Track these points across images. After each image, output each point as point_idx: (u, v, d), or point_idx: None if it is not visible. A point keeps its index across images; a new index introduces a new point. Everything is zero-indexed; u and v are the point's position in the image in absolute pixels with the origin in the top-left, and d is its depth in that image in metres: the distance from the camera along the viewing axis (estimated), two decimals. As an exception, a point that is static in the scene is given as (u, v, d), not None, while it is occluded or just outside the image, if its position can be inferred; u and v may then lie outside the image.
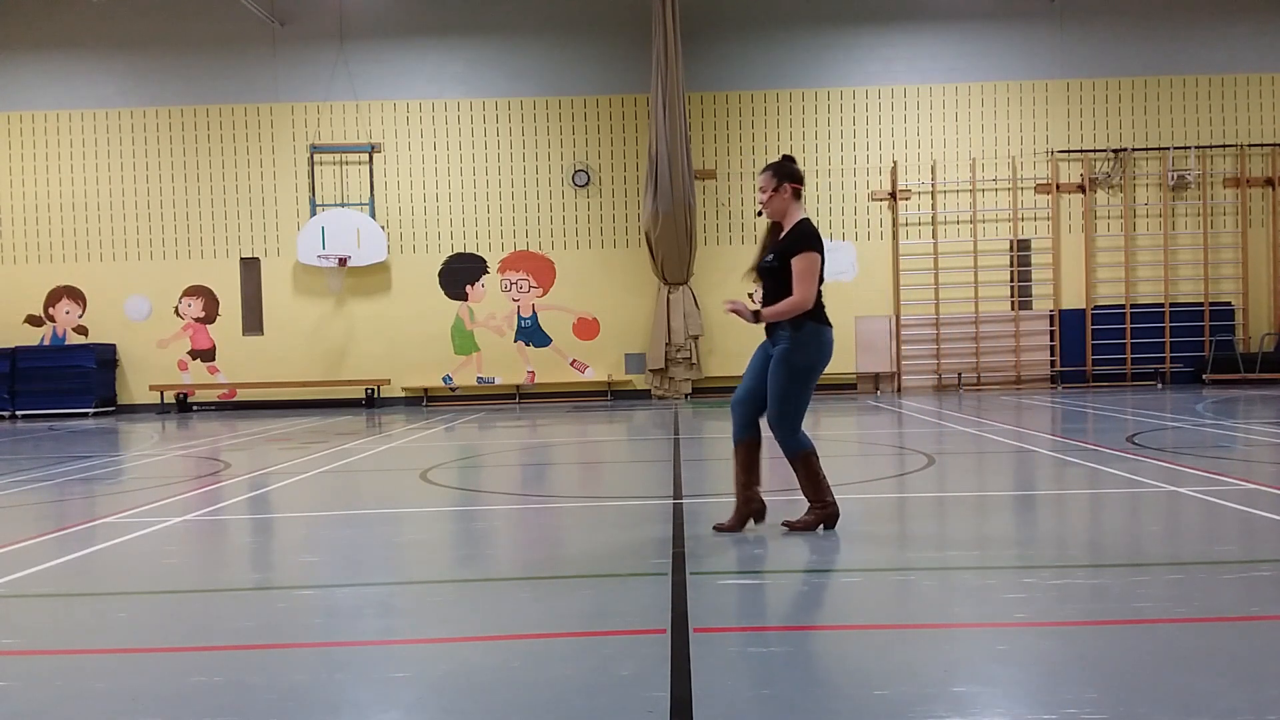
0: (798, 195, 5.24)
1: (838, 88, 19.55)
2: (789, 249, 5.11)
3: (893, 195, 19.52)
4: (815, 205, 19.24)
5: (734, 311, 5.19)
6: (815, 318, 5.13)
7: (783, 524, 5.35)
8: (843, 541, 5.06)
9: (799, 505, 5.44)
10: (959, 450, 9.21)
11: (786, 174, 5.22)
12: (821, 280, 5.14)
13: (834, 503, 5.30)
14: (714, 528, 5.35)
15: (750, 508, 5.31)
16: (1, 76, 19.78)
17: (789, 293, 5.08)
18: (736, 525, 5.30)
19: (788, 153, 5.40)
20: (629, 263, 19.57)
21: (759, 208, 5.35)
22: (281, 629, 3.77)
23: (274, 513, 6.87)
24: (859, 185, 19.63)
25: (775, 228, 5.32)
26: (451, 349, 19.77)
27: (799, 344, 5.10)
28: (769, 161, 5.50)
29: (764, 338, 5.35)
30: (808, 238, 5.11)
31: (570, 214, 19.77)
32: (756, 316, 5.15)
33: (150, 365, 19.76)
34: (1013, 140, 19.58)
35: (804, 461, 5.23)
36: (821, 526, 5.28)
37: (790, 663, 3.20)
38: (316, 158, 19.69)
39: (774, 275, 5.16)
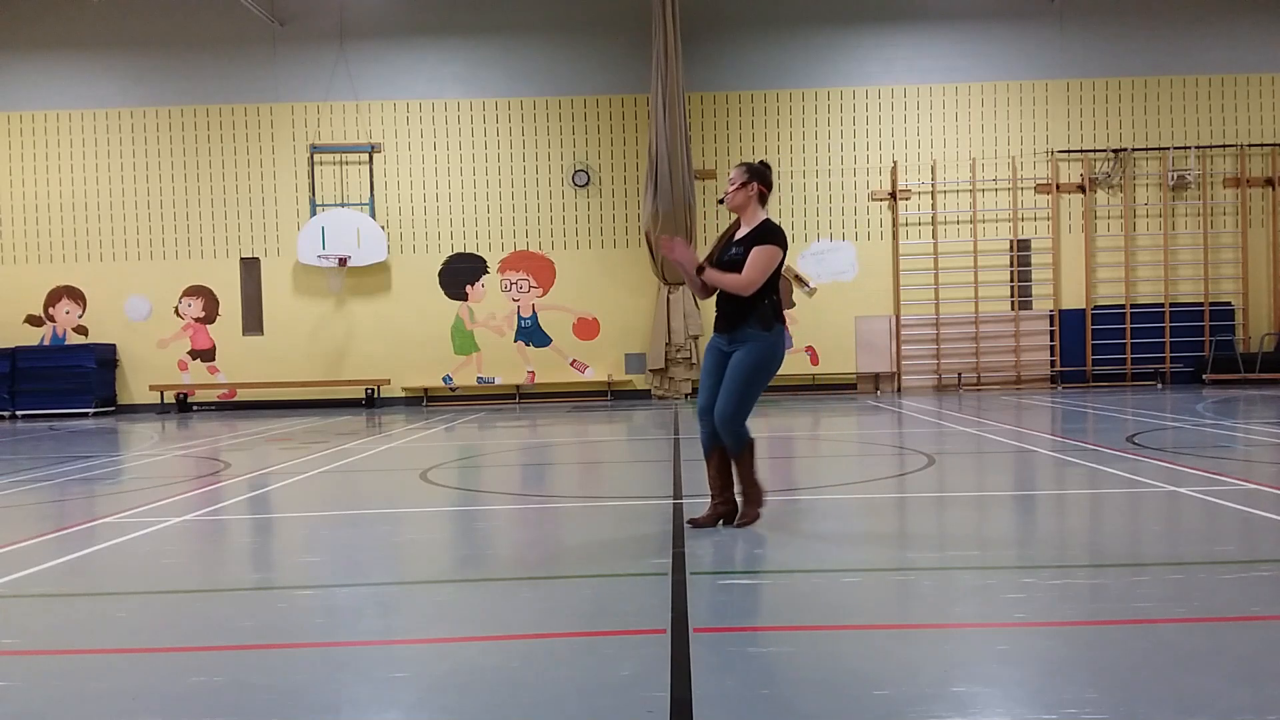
0: (763, 199, 5.40)
1: (838, 88, 19.54)
2: (755, 241, 5.24)
3: (893, 195, 19.51)
4: (815, 205, 19.26)
5: (677, 261, 5.24)
6: (780, 319, 5.28)
7: (737, 523, 5.37)
8: (843, 541, 5.07)
9: (797, 505, 5.44)
10: (959, 450, 9.21)
11: (758, 175, 5.42)
12: (776, 284, 5.25)
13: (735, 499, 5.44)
14: (688, 522, 5.45)
15: (726, 508, 5.42)
16: (1, 76, 19.79)
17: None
18: (709, 522, 5.40)
19: (765, 159, 5.46)
20: (629, 263, 19.56)
21: (721, 196, 5.45)
22: (281, 629, 3.77)
23: (274, 513, 6.87)
24: (859, 185, 19.61)
25: (735, 226, 5.46)
26: (451, 349, 19.77)
27: (769, 344, 5.22)
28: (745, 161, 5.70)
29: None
30: (774, 233, 5.27)
31: (570, 214, 19.77)
32: (700, 271, 5.27)
33: (150, 365, 19.76)
34: (1013, 140, 19.58)
35: (750, 451, 5.35)
36: (721, 522, 5.37)
37: (790, 663, 3.20)
38: (316, 158, 19.69)
39: (738, 267, 5.24)
